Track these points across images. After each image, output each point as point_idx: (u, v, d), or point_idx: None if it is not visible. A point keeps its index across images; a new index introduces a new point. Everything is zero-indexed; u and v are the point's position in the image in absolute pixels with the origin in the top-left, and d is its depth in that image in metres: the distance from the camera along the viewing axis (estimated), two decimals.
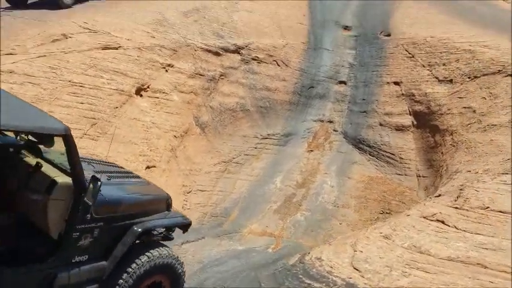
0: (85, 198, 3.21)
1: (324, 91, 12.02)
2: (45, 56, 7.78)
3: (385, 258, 4.49)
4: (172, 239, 4.20)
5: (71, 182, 3.24)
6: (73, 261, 3.30)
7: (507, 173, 6.29)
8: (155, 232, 3.98)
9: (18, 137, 3.70)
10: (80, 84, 7.57)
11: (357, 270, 4.44)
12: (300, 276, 4.71)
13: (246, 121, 10.74)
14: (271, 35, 11.94)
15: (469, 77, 9.63)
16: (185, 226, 4.22)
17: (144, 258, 3.63)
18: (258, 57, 11.35)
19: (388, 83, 11.04)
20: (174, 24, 10.23)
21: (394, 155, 10.13)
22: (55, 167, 3.49)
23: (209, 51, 10.45)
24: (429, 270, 4.12)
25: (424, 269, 4.15)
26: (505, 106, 8.59)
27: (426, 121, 9.90)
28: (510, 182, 5.92)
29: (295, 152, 11.04)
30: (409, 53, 11.07)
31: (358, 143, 10.87)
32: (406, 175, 9.77)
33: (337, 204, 9.71)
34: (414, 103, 10.30)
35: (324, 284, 4.36)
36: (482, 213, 5.08)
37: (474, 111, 8.94)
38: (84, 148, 6.68)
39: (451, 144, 8.84)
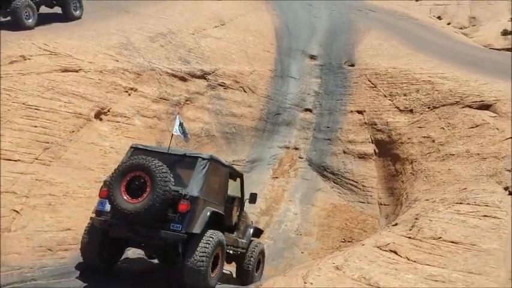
0: (246, 205, 7.20)
1: (290, 118, 12.11)
2: (0, 77, 7.55)
3: None
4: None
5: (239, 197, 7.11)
6: (239, 236, 7.01)
7: (461, 203, 6.38)
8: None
9: None
10: (35, 107, 7.34)
11: None
12: None
13: (211, 147, 10.63)
14: (238, 61, 12.01)
15: (428, 107, 9.88)
16: (261, 232, 8.15)
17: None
18: (224, 83, 11.36)
19: (351, 111, 11.23)
20: (139, 49, 10.15)
21: (357, 182, 10.21)
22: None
23: (175, 76, 10.40)
24: None
25: None
26: (462, 136, 8.80)
27: (387, 149, 10.05)
28: (463, 212, 6.00)
29: (260, 179, 10.98)
30: (372, 83, 11.32)
31: (323, 170, 10.92)
32: (368, 203, 9.83)
33: (299, 232, 9.64)
34: (376, 132, 10.47)
35: None
36: (434, 244, 5.09)
37: (433, 141, 9.13)
38: (34, 174, 6.42)
39: (411, 173, 8.96)
